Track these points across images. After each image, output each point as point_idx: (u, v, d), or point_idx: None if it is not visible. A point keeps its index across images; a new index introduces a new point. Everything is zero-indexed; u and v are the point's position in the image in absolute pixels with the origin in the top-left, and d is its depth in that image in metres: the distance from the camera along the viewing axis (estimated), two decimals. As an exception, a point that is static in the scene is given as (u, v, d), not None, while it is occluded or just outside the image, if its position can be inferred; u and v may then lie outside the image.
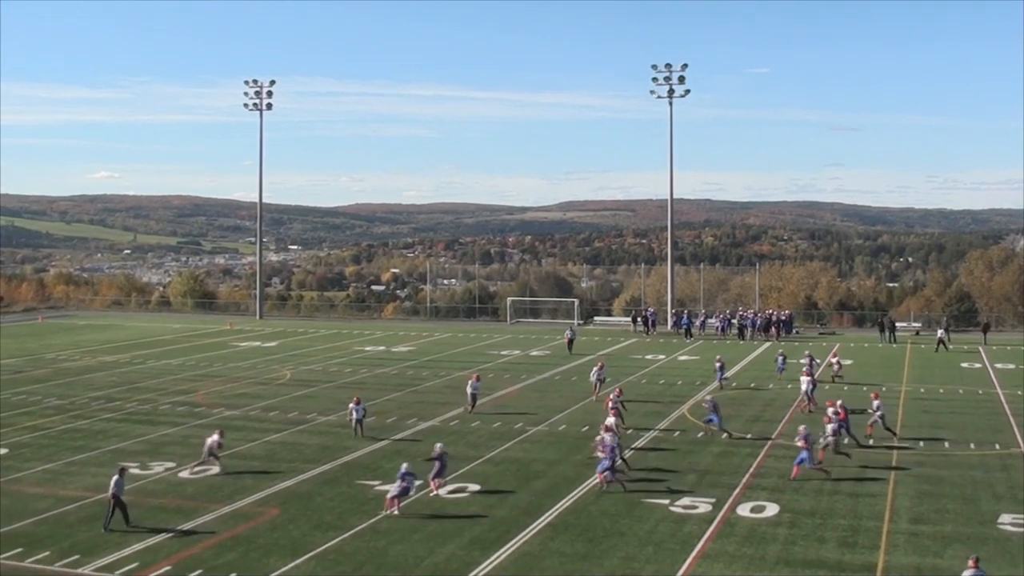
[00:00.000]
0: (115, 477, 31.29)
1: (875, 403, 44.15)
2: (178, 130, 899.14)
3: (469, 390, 49.72)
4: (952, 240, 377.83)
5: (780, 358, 60.39)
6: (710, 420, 44.19)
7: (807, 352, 61.72)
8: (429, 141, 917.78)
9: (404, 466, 33.09)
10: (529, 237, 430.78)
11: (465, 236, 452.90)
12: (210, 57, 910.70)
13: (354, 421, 44.08)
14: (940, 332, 77.22)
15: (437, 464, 35.00)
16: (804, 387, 50.62)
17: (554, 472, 37.53)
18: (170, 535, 29.73)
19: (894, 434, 43.67)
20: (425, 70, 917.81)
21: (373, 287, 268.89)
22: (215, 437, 38.39)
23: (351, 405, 44.86)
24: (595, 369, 55.22)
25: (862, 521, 31.27)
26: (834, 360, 61.53)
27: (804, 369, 53.81)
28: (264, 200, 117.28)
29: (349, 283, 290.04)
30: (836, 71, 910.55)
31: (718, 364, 57.63)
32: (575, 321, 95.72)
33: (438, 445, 36.04)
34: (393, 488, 32.57)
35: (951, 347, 75.17)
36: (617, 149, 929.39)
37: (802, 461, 36.48)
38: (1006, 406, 51.99)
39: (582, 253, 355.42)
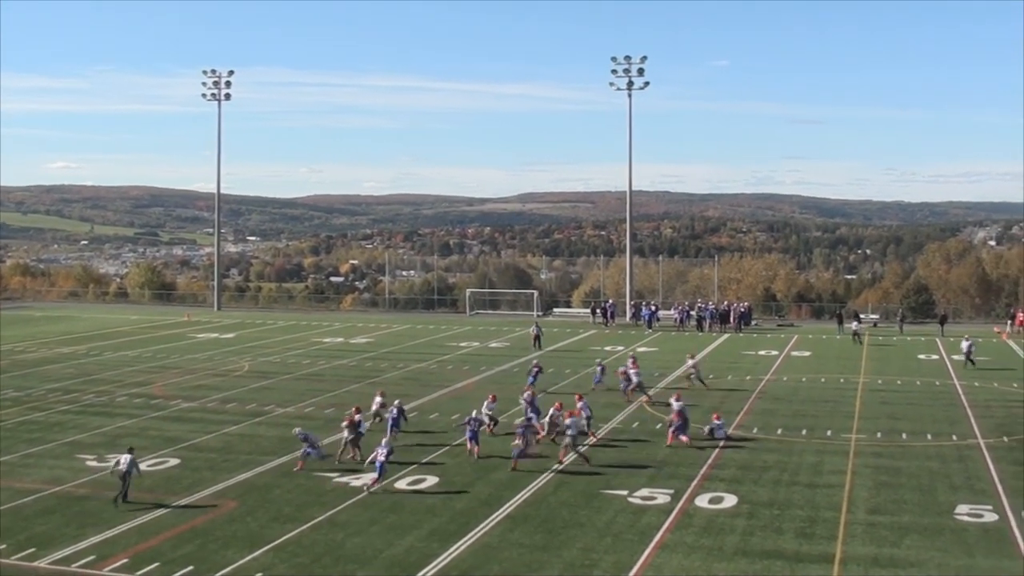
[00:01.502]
0: (127, 456, 32.54)
1: (675, 404, 42.35)
2: (136, 120, 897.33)
3: (485, 410, 44.72)
4: (910, 232, 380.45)
5: (599, 368, 55.30)
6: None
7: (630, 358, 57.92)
8: (388, 132, 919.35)
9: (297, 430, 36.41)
10: (488, 228, 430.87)
11: (424, 227, 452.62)
12: (169, 47, 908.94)
13: (389, 421, 41.60)
14: (854, 324, 77.59)
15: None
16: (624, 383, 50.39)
17: (506, 466, 37.47)
18: (127, 527, 29.54)
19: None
20: (385, 61, 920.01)
21: (332, 278, 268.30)
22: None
23: (377, 399, 44.40)
24: (631, 370, 51.61)
25: (820, 512, 31.41)
26: (690, 361, 57.25)
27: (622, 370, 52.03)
28: (222, 191, 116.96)
29: (307, 274, 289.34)
30: (795, 64, 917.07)
31: (599, 367, 55.88)
32: (534, 312, 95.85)
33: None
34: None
35: (866, 339, 75.52)
36: (577, 141, 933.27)
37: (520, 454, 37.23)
38: (963, 397, 52.37)
39: (541, 245, 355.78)
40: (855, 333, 75.60)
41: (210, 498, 32.89)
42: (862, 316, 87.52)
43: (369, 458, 34.87)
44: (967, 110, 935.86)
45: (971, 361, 61.47)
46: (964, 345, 62.73)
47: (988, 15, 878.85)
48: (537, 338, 71.88)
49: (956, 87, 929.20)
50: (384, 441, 34.86)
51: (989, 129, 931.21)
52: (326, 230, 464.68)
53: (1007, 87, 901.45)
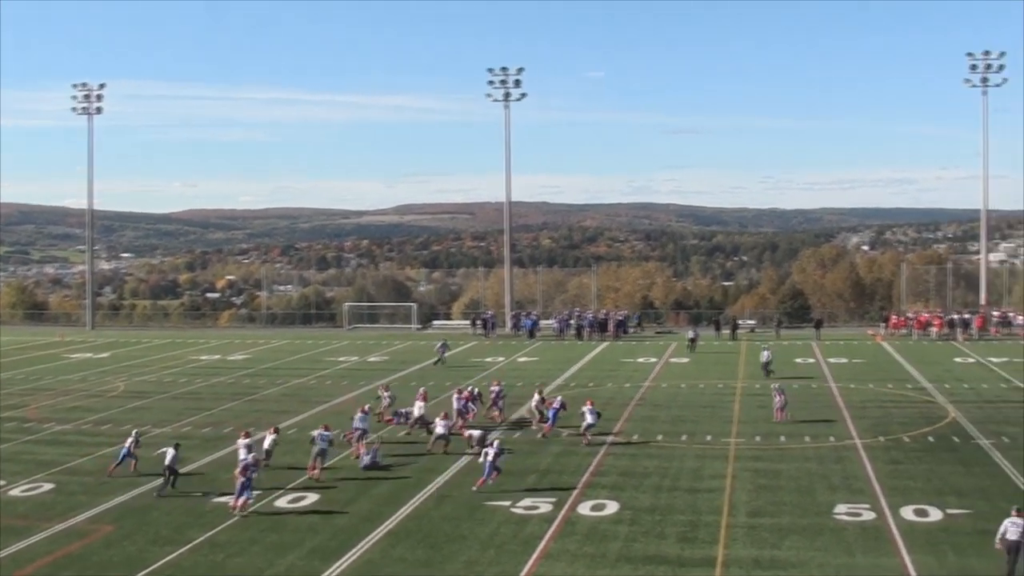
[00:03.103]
0: (171, 451, 35.53)
1: (586, 409, 43.30)
2: (4, 136, 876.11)
3: (455, 405, 46.64)
4: (785, 239, 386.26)
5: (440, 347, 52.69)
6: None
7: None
8: (264, 145, 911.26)
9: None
10: (366, 241, 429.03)
11: (301, 241, 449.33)
12: (38, 60, 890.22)
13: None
14: (690, 332, 78.85)
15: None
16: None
17: (394, 478, 37.23)
18: (1, 555, 28.79)
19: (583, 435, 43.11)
20: (260, 73, 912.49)
21: (208, 295, 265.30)
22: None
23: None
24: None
25: (701, 516, 31.65)
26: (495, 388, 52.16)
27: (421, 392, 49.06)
28: (95, 207, 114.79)
29: (183, 291, 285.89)
30: (671, 75, 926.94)
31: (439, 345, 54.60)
32: (414, 324, 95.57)
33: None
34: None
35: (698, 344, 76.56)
36: (455, 152, 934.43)
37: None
38: (839, 399, 53.16)
39: (420, 257, 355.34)
40: (691, 339, 76.42)
41: (86, 523, 32.15)
42: (740, 322, 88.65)
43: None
44: (839, 118, 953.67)
45: (770, 371, 61.38)
46: (764, 355, 62.54)
47: (861, 24, 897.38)
48: (442, 353, 70.45)
49: (829, 96, 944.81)
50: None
51: (862, 137, 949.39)
52: (201, 245, 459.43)
53: (879, 95, 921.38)
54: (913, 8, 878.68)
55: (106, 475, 37.99)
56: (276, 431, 40.40)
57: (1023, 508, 26.36)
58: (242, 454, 35.89)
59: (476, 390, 49.90)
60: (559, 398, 46.36)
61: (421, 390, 49.11)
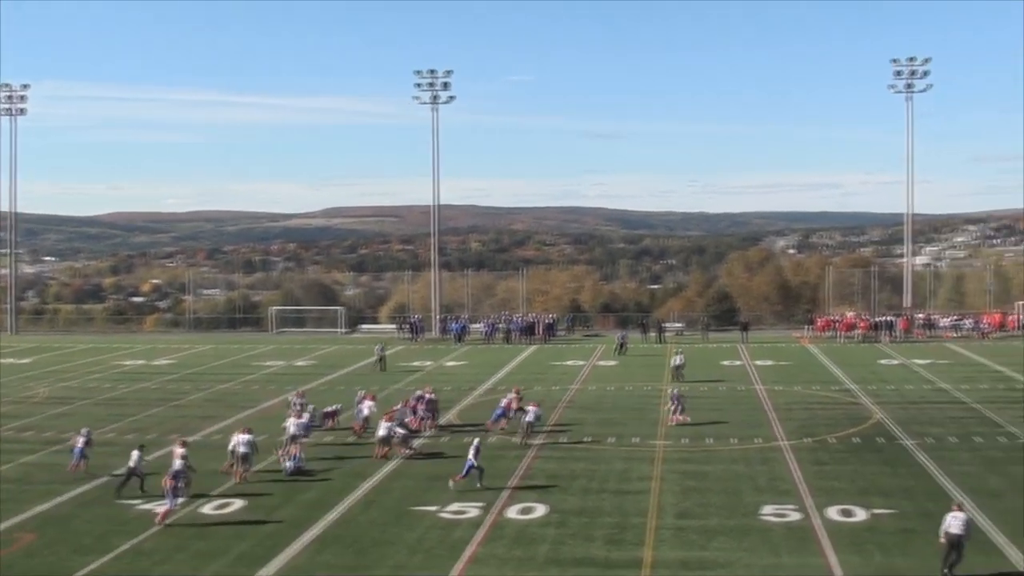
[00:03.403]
0: (136, 453, 36.14)
1: (531, 408, 44.62)
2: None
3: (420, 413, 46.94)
4: (712, 242, 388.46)
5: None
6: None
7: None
8: (190, 147, 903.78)
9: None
10: (293, 245, 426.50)
11: (227, 244, 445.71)
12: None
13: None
14: (619, 335, 79.44)
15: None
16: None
17: (320, 484, 37.01)
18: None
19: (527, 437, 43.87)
20: (186, 74, 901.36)
21: (132, 299, 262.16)
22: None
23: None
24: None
25: (629, 518, 31.72)
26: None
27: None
28: (17, 210, 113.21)
29: (107, 295, 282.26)
30: (599, 78, 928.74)
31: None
32: (341, 328, 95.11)
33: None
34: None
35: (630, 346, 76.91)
36: (382, 154, 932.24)
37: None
38: (766, 401, 53.56)
39: (347, 260, 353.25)
40: (621, 343, 76.52)
41: (6, 532, 31.62)
42: (666, 324, 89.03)
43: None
44: (766, 123, 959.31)
45: (681, 376, 61.24)
46: (676, 359, 62.57)
47: (787, 29, 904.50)
48: (382, 359, 69.72)
49: (756, 100, 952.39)
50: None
51: (788, 141, 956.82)
52: (126, 248, 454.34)
53: (805, 100, 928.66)
54: (838, 13, 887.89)
55: (68, 470, 38.48)
56: (248, 431, 39.90)
57: (963, 504, 26.86)
58: (177, 463, 35.44)
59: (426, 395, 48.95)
60: (533, 407, 45.11)
61: (361, 392, 49.74)
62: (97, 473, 38.31)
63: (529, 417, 43.91)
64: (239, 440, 37.93)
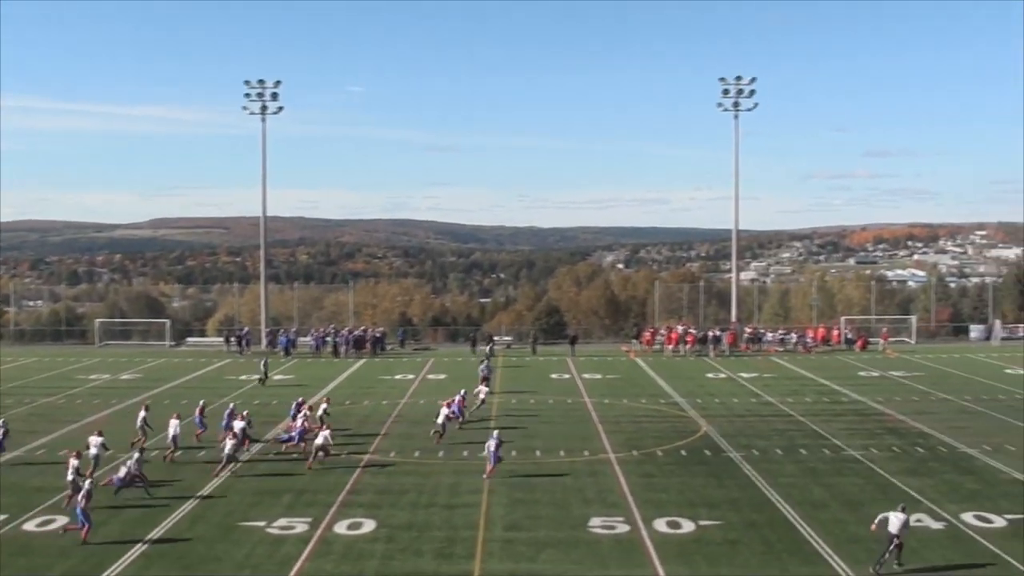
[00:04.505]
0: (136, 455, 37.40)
1: (443, 411, 47.22)
2: None
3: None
4: (542, 257, 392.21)
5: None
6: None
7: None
8: (13, 155, 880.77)
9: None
10: (119, 256, 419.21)
11: (52, 255, 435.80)
12: None
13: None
14: (485, 347, 79.94)
15: None
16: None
17: (148, 500, 36.23)
18: None
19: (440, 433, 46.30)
20: (9, 79, 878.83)
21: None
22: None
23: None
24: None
25: (458, 531, 31.73)
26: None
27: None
28: None
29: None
30: (432, 92, 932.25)
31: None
32: (168, 341, 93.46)
33: None
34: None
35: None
36: (211, 165, 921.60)
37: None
38: (594, 414, 54.01)
39: (174, 272, 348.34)
40: (488, 353, 76.67)
41: None
42: (496, 338, 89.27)
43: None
44: (596, 139, 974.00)
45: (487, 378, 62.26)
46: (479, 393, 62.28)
47: (619, 47, 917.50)
48: (265, 374, 68.04)
49: (586, 116, 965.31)
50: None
51: (618, 157, 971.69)
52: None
53: (635, 117, 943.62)
54: (667, 32, 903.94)
55: None
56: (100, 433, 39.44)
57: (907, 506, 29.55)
58: (69, 475, 35.08)
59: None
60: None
61: (299, 400, 50.74)
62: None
63: (439, 419, 46.53)
64: (92, 441, 37.60)
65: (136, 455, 38.14)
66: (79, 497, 32.00)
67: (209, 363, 79.02)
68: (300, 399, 51.57)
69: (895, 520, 28.17)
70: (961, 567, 28.36)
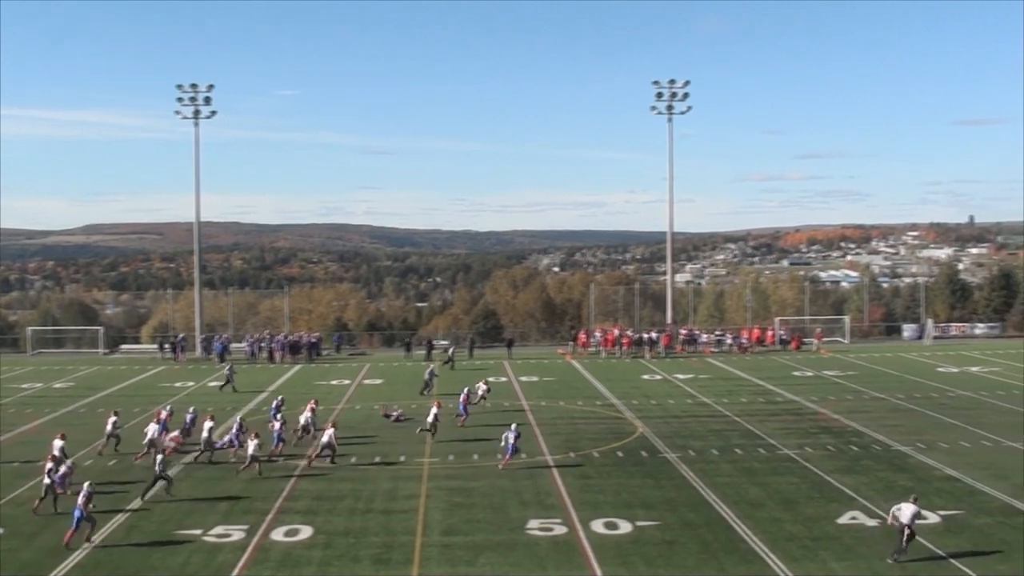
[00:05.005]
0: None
1: (433, 410, 48.45)
2: None
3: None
4: (478, 260, 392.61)
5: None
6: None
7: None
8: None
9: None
10: (51, 263, 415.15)
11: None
12: None
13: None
14: (449, 350, 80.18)
15: None
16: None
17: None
18: None
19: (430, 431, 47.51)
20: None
21: None
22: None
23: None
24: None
25: (396, 537, 31.71)
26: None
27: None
28: None
29: None
30: (366, 95, 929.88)
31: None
32: (101, 349, 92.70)
33: None
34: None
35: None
36: (144, 170, 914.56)
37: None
38: (530, 416, 54.13)
39: (108, 278, 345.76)
40: (436, 368, 76.44)
41: None
42: (435, 342, 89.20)
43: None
44: (531, 143, 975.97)
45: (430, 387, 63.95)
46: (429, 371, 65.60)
47: (552, 52, 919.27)
48: (228, 381, 67.03)
49: (521, 120, 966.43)
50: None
51: (553, 161, 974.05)
52: None
53: (569, 120, 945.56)
54: (603, 36, 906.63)
55: None
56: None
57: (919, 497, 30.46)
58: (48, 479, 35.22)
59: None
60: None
61: (279, 399, 51.67)
62: None
63: (429, 418, 47.93)
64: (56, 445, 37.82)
65: (159, 456, 38.38)
66: (79, 498, 31.85)
67: (144, 370, 78.46)
68: (280, 398, 52.32)
69: (906, 510, 28.93)
70: (896, 563, 28.69)
